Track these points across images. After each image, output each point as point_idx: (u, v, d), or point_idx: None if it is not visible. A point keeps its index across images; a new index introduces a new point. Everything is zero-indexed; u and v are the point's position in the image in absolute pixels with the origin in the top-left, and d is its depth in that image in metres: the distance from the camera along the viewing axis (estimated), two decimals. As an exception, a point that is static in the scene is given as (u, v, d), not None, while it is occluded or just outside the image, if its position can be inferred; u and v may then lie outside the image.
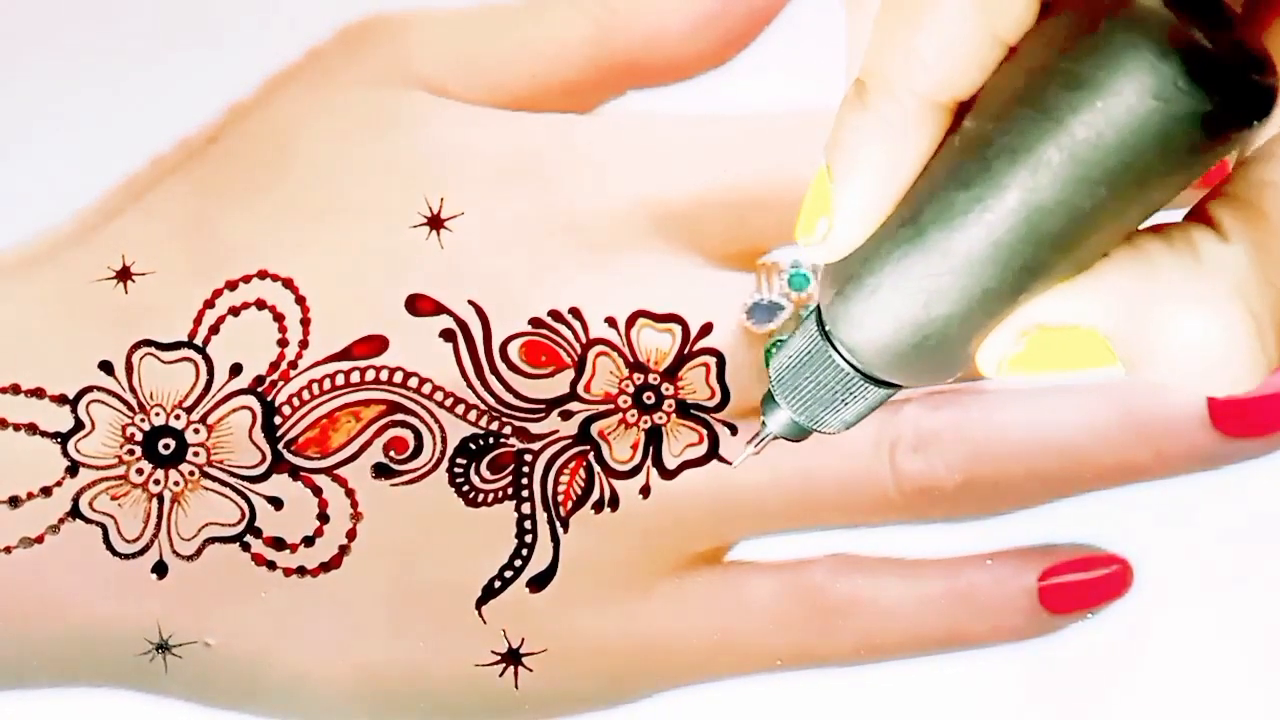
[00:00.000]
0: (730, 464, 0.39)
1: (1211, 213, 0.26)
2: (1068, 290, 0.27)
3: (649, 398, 0.39)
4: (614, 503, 0.39)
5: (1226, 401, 0.40)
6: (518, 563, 0.38)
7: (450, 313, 0.39)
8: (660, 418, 0.39)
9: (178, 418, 0.38)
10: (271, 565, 0.38)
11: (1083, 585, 0.41)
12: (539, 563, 0.39)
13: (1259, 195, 0.26)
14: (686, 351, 0.39)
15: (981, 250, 0.26)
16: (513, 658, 0.39)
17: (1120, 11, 0.24)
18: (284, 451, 0.38)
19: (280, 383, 0.38)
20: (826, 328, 0.30)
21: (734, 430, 0.39)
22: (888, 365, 0.29)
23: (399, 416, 0.38)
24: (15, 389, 0.38)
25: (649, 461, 0.39)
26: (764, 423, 0.34)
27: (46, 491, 0.38)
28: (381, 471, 0.38)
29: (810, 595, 0.40)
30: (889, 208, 0.27)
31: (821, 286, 0.30)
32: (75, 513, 0.38)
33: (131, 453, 0.38)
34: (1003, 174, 0.26)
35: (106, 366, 0.38)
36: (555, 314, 0.39)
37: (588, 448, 0.39)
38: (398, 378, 0.38)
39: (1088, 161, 0.25)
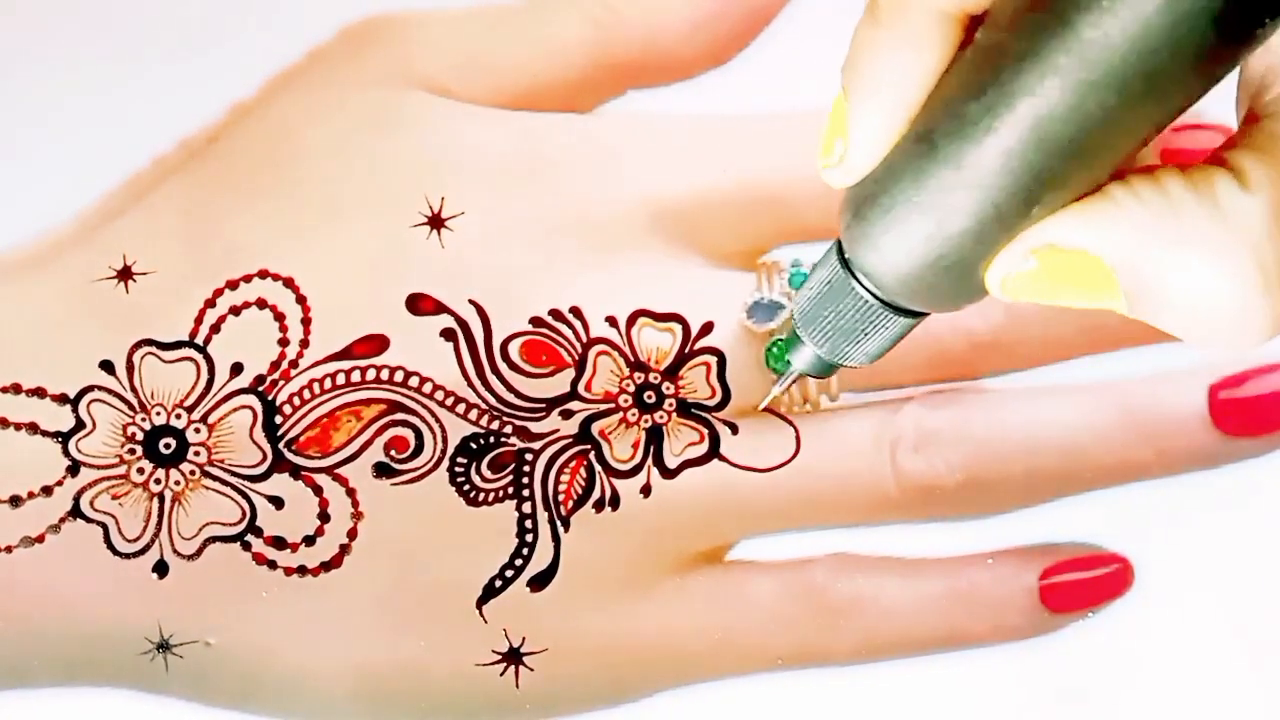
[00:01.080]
0: (742, 467, 0.39)
1: (1233, 160, 0.26)
2: (1083, 213, 0.26)
3: (650, 397, 0.39)
4: (615, 502, 0.39)
5: (1227, 401, 0.40)
6: (518, 562, 0.38)
7: (451, 312, 0.39)
8: (661, 417, 0.39)
9: (179, 417, 0.38)
10: (272, 565, 0.38)
11: (1083, 584, 0.41)
12: (540, 562, 0.39)
13: None
14: (687, 351, 0.39)
15: (993, 161, 0.26)
16: (513, 657, 0.39)
17: None
18: (285, 451, 0.38)
19: (281, 382, 0.38)
20: (846, 256, 0.29)
21: (735, 429, 0.39)
22: (907, 289, 0.29)
23: (400, 416, 0.38)
24: (16, 388, 0.38)
25: (650, 461, 0.39)
26: (788, 361, 0.33)
27: (47, 491, 0.38)
28: (382, 471, 0.38)
29: (811, 595, 0.40)
30: (903, 125, 0.27)
31: (841, 214, 0.29)
32: (76, 512, 0.38)
33: (132, 452, 0.38)
34: (1012, 81, 0.25)
35: (107, 366, 0.38)
36: (556, 313, 0.39)
37: (588, 447, 0.39)
38: (398, 377, 0.38)
39: (1096, 65, 0.25)
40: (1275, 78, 0.27)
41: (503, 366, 0.39)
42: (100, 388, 0.38)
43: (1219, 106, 0.28)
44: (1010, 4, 0.26)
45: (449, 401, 0.38)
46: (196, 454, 0.38)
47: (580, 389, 0.39)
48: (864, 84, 0.27)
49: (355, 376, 0.38)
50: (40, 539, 0.38)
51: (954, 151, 0.26)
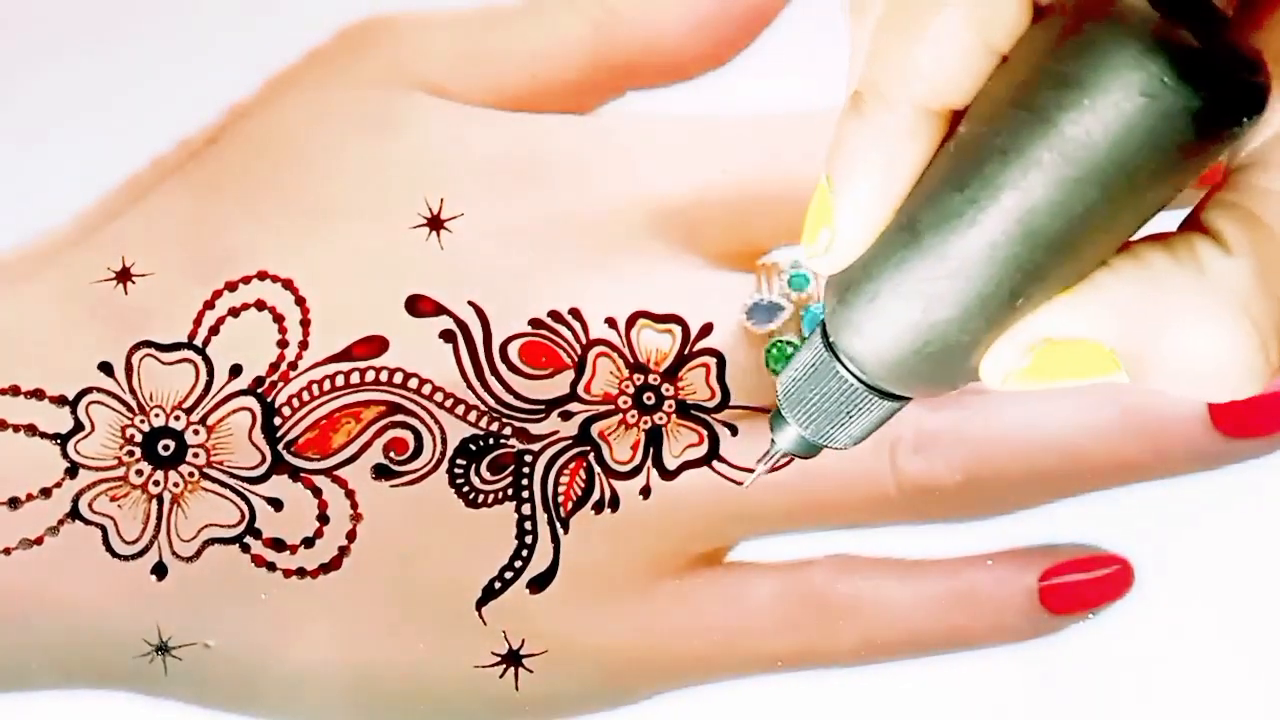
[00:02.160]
0: (739, 482, 0.39)
1: (1212, 223, 0.27)
2: (1072, 303, 0.27)
3: (649, 398, 0.39)
4: (614, 503, 0.39)
5: (1228, 402, 0.40)
6: (518, 563, 0.38)
7: (450, 313, 0.39)
8: (660, 418, 0.39)
9: (177, 419, 0.38)
10: (271, 566, 0.38)
11: (1083, 585, 0.41)
12: (539, 563, 0.39)
13: (1260, 204, 0.26)
14: (686, 352, 0.39)
15: (977, 253, 0.26)
16: (513, 659, 0.39)
17: (1106, 11, 0.25)
18: (284, 452, 0.38)
19: (280, 384, 0.38)
20: (830, 339, 0.30)
21: (734, 431, 0.39)
22: (891, 374, 0.29)
23: (399, 417, 0.38)
24: (15, 390, 0.38)
25: (649, 462, 0.39)
26: (773, 440, 0.34)
27: (46, 493, 0.38)
28: (381, 472, 0.38)
29: (811, 596, 0.40)
30: (888, 215, 0.27)
31: (826, 297, 0.30)
32: (75, 514, 0.38)
33: (131, 454, 0.38)
34: (995, 175, 0.26)
35: (106, 367, 0.38)
36: (555, 314, 0.39)
37: (588, 448, 0.39)
38: (398, 378, 0.38)
39: (1079, 161, 0.25)
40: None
41: (502, 368, 0.39)
42: (99, 389, 0.38)
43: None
44: (992, 99, 0.26)
45: (448, 403, 0.38)
46: (195, 456, 0.38)
47: (579, 390, 0.39)
48: (849, 175, 0.28)
49: (354, 378, 0.38)
50: (39, 541, 0.38)
51: (938, 242, 0.27)
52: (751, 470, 0.39)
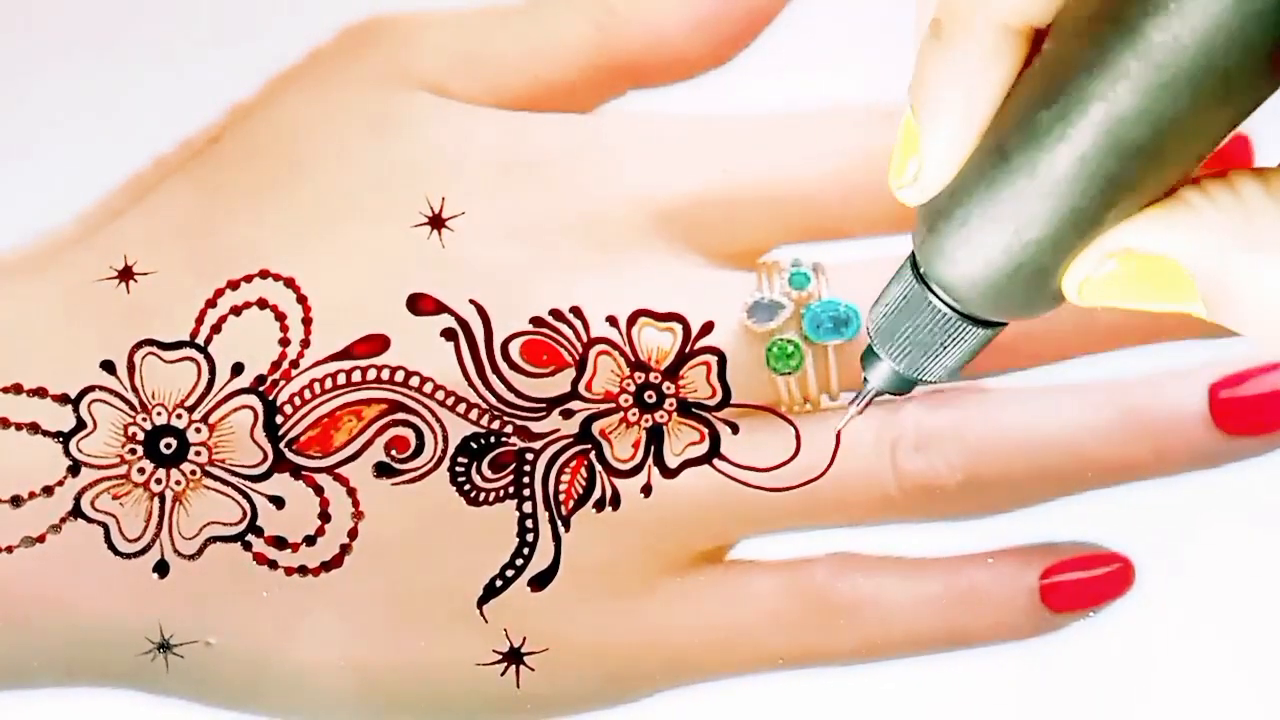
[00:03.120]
0: (745, 482, 0.39)
1: None
2: (1161, 218, 0.26)
3: (650, 396, 0.39)
4: (615, 502, 0.39)
5: (1227, 400, 0.40)
6: (519, 562, 0.38)
7: (451, 312, 0.39)
8: (661, 416, 0.39)
9: (179, 417, 0.38)
10: (273, 564, 0.38)
11: (1084, 584, 0.41)
12: (540, 562, 0.39)
13: None
14: (687, 350, 0.39)
15: (1067, 168, 0.26)
16: (514, 657, 0.39)
17: None
18: (285, 451, 0.38)
19: (282, 382, 0.38)
20: (921, 270, 0.29)
21: (735, 429, 0.39)
22: (985, 299, 0.29)
23: (400, 415, 0.38)
24: (17, 388, 0.38)
25: (650, 460, 0.39)
26: (865, 379, 0.33)
27: (48, 491, 0.38)
28: (383, 470, 0.38)
29: (811, 594, 0.40)
30: (975, 140, 0.27)
31: (916, 228, 0.29)
32: (77, 512, 0.38)
33: (133, 452, 0.38)
34: (1083, 88, 0.26)
35: (108, 366, 0.38)
36: (556, 313, 0.39)
37: (589, 446, 0.39)
38: (399, 377, 0.38)
39: (1166, 67, 0.25)
40: None
41: (503, 366, 0.39)
42: (101, 388, 0.38)
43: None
44: (1076, 14, 0.26)
45: (449, 401, 0.38)
46: (197, 454, 0.38)
47: (581, 389, 0.39)
48: (934, 102, 0.28)
49: (356, 376, 0.38)
50: (41, 539, 0.38)
51: (1027, 161, 0.27)
52: (757, 469, 0.39)
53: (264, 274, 0.39)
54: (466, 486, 0.38)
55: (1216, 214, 0.26)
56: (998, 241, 0.28)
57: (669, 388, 0.39)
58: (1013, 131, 0.27)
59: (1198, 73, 0.25)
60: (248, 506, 0.38)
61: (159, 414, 0.38)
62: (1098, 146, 0.26)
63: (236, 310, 0.39)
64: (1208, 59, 0.25)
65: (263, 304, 0.39)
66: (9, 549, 0.38)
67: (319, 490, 0.38)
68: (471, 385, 0.38)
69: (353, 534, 0.38)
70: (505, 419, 0.39)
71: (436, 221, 0.39)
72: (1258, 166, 0.27)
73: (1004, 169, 0.27)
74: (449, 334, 0.39)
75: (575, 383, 0.39)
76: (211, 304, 0.39)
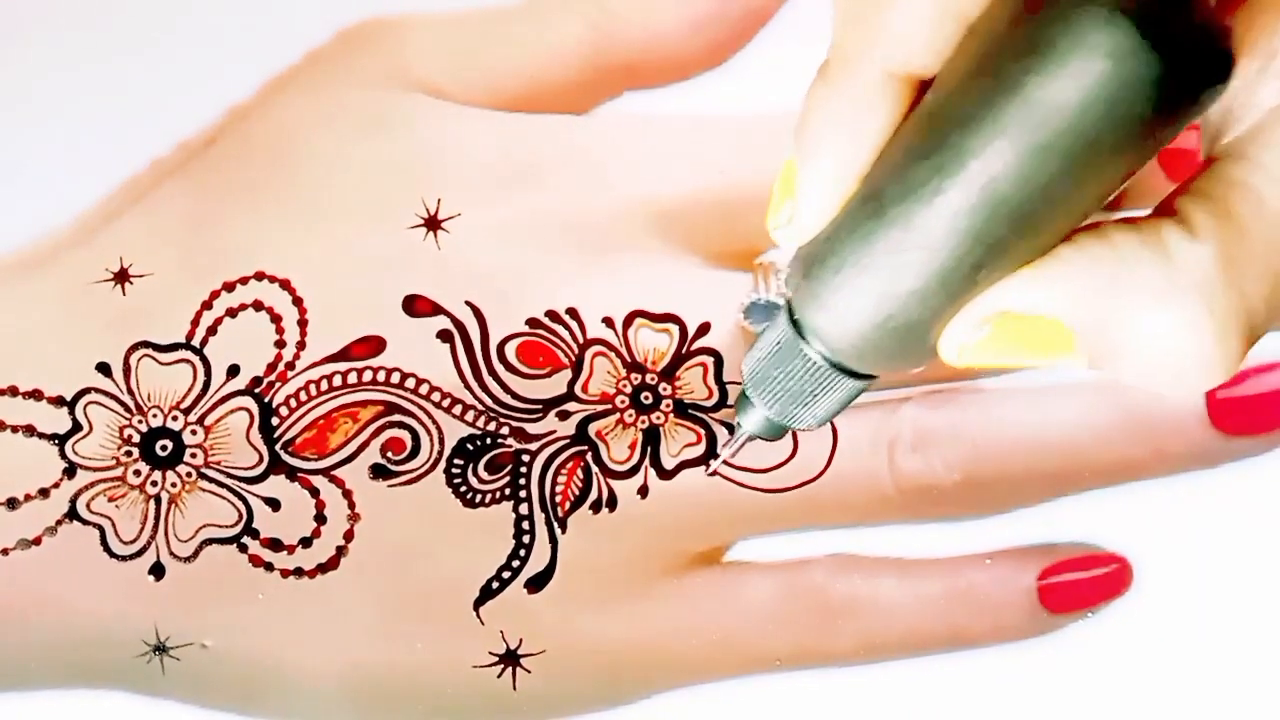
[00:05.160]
0: (740, 480, 0.39)
1: (1182, 209, 0.26)
2: (1033, 277, 0.26)
3: (647, 398, 0.39)
4: (612, 503, 0.39)
5: (1225, 400, 0.40)
6: (515, 563, 0.38)
7: (447, 313, 0.39)
8: (658, 418, 0.39)
9: (175, 419, 0.38)
10: (269, 566, 0.38)
11: (1082, 584, 0.41)
12: (537, 563, 0.39)
13: (1230, 195, 0.26)
14: (684, 351, 0.39)
15: (941, 223, 0.26)
16: (511, 659, 0.39)
17: None
18: (281, 452, 0.38)
19: (277, 384, 0.38)
20: (795, 316, 0.29)
21: (732, 430, 0.39)
22: (855, 350, 0.29)
23: (396, 417, 0.38)
24: (13, 390, 0.38)
25: (647, 462, 0.39)
26: (738, 423, 0.33)
27: (44, 493, 0.38)
28: (379, 472, 0.38)
29: (809, 595, 0.40)
30: (852, 186, 0.27)
31: (789, 273, 0.29)
32: (73, 514, 0.38)
33: (129, 454, 0.38)
34: (960, 143, 0.26)
35: (104, 368, 0.38)
36: (552, 314, 0.39)
37: (585, 448, 0.39)
38: (395, 378, 0.38)
39: (1043, 128, 0.25)
40: (1231, 122, 0.27)
41: (499, 368, 0.39)
42: (97, 390, 0.38)
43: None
44: (959, 67, 0.26)
45: (446, 403, 0.38)
46: (193, 456, 0.38)
47: (577, 390, 0.39)
48: (813, 145, 0.27)
49: (352, 378, 0.38)
50: (37, 541, 0.38)
51: (902, 213, 0.26)
52: (754, 470, 0.39)
53: (260, 276, 0.39)
54: (463, 488, 0.38)
55: (1092, 267, 0.26)
56: (870, 292, 0.27)
57: (665, 389, 0.39)
58: (889, 182, 0.27)
59: (1075, 135, 0.25)
60: (243, 508, 0.38)
61: (155, 416, 0.38)
62: (973, 204, 0.26)
63: (232, 312, 0.39)
64: (1086, 121, 0.25)
65: (258, 306, 0.39)
66: (5, 551, 0.38)
67: (315, 492, 0.38)
68: (468, 387, 0.38)
69: (349, 536, 0.38)
70: (501, 420, 0.39)
71: (432, 223, 0.39)
72: (1126, 216, 0.27)
73: (879, 219, 0.27)
74: (445, 335, 0.39)
75: (571, 384, 0.39)
76: (207, 306, 0.39)
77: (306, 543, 0.38)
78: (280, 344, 0.38)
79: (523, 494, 0.39)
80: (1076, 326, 0.27)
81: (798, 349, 0.30)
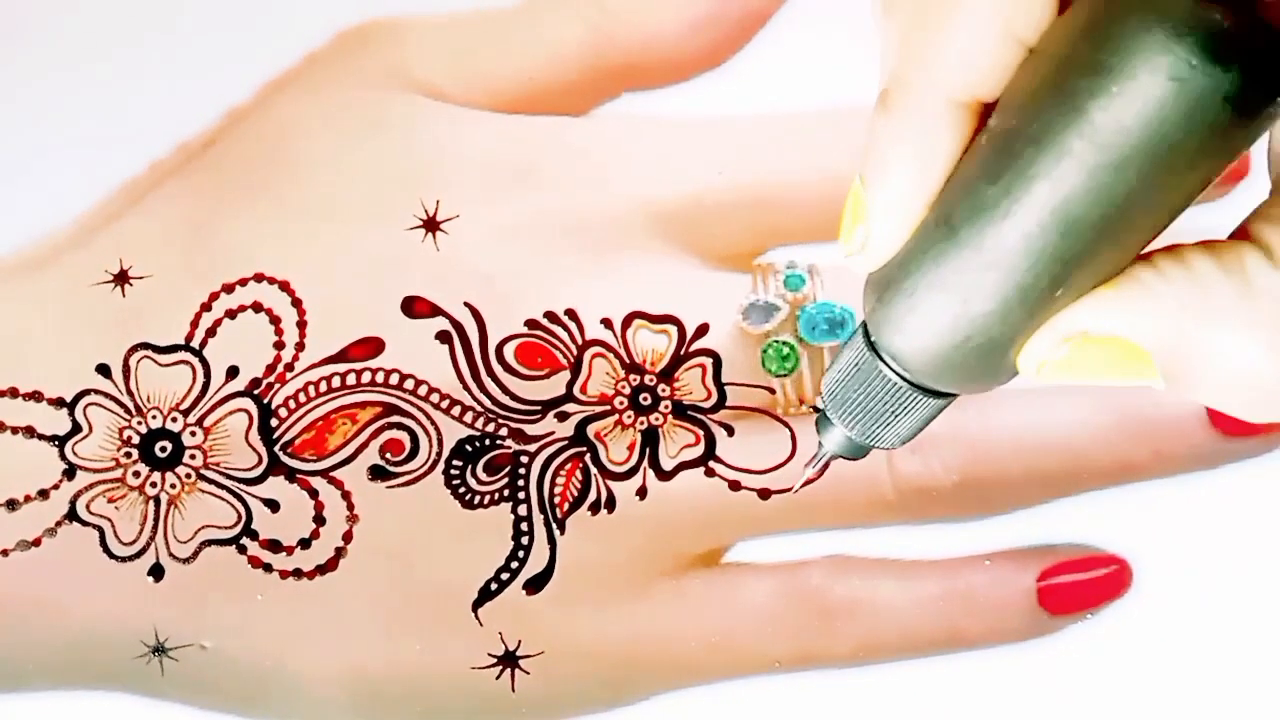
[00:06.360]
0: (738, 483, 0.39)
1: (1260, 235, 0.26)
2: (1113, 298, 0.27)
3: (645, 399, 0.39)
4: (610, 504, 0.39)
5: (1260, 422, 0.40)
6: (514, 564, 0.38)
7: (446, 315, 0.39)
8: (657, 419, 0.39)
9: (174, 420, 0.38)
10: (268, 568, 0.38)
11: (1082, 585, 0.41)
12: (535, 564, 0.39)
13: None
14: (683, 352, 0.39)
15: (1013, 244, 0.26)
16: (509, 660, 0.39)
17: None
18: (280, 454, 0.38)
19: (276, 385, 0.38)
20: (872, 338, 0.29)
21: (730, 431, 0.39)
22: (934, 370, 0.29)
23: (395, 418, 0.38)
24: (13, 392, 0.38)
25: (645, 463, 0.39)
26: (820, 443, 0.33)
27: (44, 494, 0.38)
28: (378, 473, 0.38)
29: (808, 597, 0.40)
30: (922, 210, 0.27)
31: (864, 297, 0.29)
32: (72, 515, 0.38)
33: (129, 455, 0.38)
34: (1028, 166, 0.26)
35: (104, 369, 0.38)
36: (551, 315, 0.39)
37: (584, 449, 0.39)
38: (394, 380, 0.38)
39: (1110, 148, 0.25)
40: None
41: (498, 369, 0.39)
42: (97, 391, 0.38)
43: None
44: (1022, 90, 0.26)
45: (444, 404, 0.38)
46: (192, 457, 0.38)
47: (576, 391, 0.39)
48: (881, 171, 0.28)
49: (351, 379, 0.38)
50: (37, 542, 0.38)
51: (974, 235, 0.27)
52: (753, 471, 0.39)
53: (259, 277, 0.39)
54: (461, 489, 0.38)
55: (1170, 290, 0.26)
56: (945, 313, 0.27)
57: (664, 390, 0.39)
58: (960, 204, 0.27)
59: (1141, 154, 0.25)
60: (242, 510, 0.38)
61: (154, 417, 0.38)
62: (1043, 224, 0.26)
63: (231, 313, 0.39)
64: (1153, 141, 0.24)
65: (258, 307, 0.39)
66: (4, 552, 0.38)
67: (314, 493, 0.38)
68: (466, 388, 0.38)
69: (347, 537, 0.38)
70: (500, 421, 0.39)
71: (431, 224, 0.39)
72: (1206, 240, 0.27)
73: (951, 242, 0.27)
74: (444, 337, 0.39)
75: (570, 385, 0.39)
76: (207, 307, 0.39)
77: (305, 544, 0.38)
78: (279, 345, 0.38)
79: (521, 495, 0.39)
80: (1156, 350, 0.27)
81: (876, 370, 0.29)
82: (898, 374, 0.29)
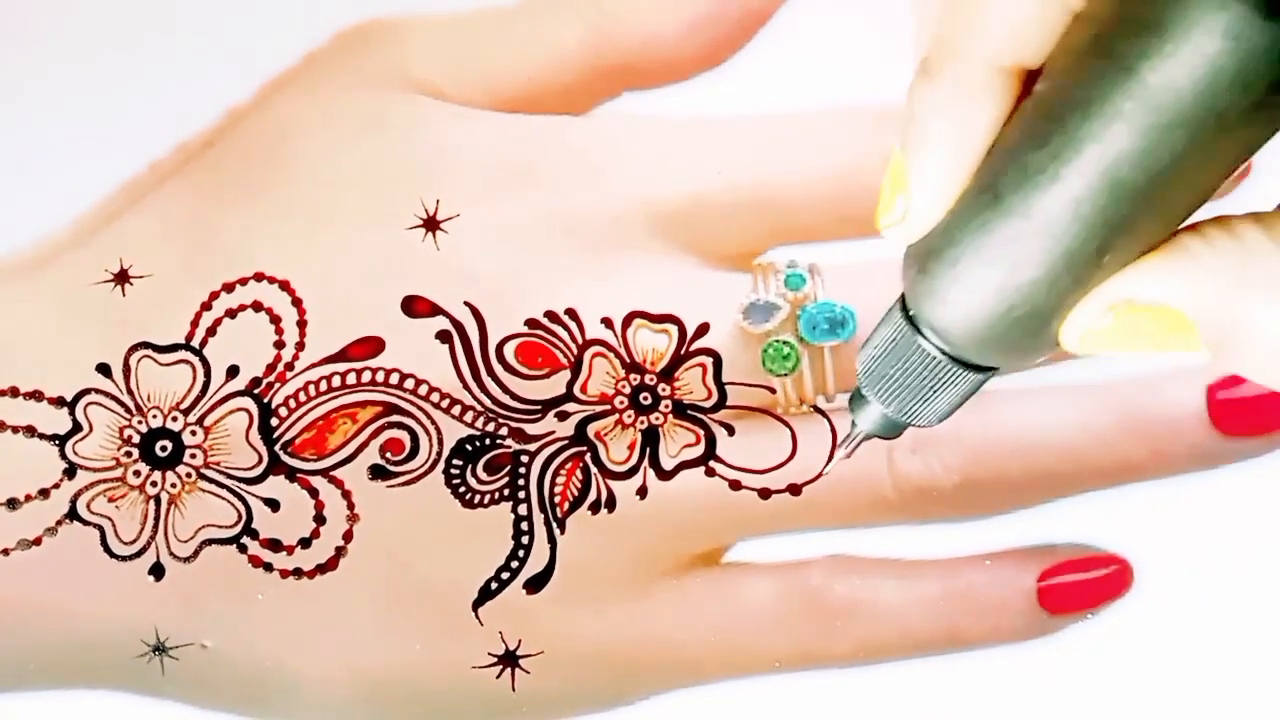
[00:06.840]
0: (738, 484, 0.39)
1: None
2: (1159, 265, 0.26)
3: (646, 398, 0.39)
4: (611, 504, 0.39)
5: (1225, 401, 0.40)
6: (514, 564, 0.38)
7: (446, 314, 0.39)
8: (657, 418, 0.39)
9: (175, 420, 0.38)
10: (268, 567, 0.38)
11: (1082, 585, 0.41)
12: (536, 564, 0.39)
13: None
14: (683, 352, 0.39)
15: (1061, 209, 0.26)
16: (509, 660, 0.39)
17: None
18: (280, 453, 0.38)
19: (277, 384, 0.38)
20: (911, 312, 0.29)
21: (731, 431, 0.39)
22: (976, 342, 0.28)
23: (395, 418, 0.38)
24: (14, 391, 0.38)
25: (646, 462, 0.39)
26: (854, 421, 0.33)
27: (44, 494, 0.38)
28: (378, 473, 0.38)
29: (809, 596, 0.40)
30: (965, 178, 0.27)
31: (904, 269, 0.29)
32: (73, 515, 0.38)
33: (129, 454, 0.38)
34: (1078, 128, 0.25)
35: (104, 369, 0.38)
36: (551, 315, 0.39)
37: (584, 449, 0.39)
38: (394, 379, 0.38)
39: (1162, 109, 0.24)
40: None
41: (498, 368, 0.39)
42: (97, 390, 0.38)
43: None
44: (1069, 53, 0.26)
45: (444, 403, 0.38)
46: (193, 456, 0.38)
47: (576, 391, 0.39)
48: (923, 140, 0.27)
49: (351, 379, 0.38)
50: (37, 542, 0.38)
51: (1021, 201, 0.26)
52: (753, 471, 0.39)
53: (259, 277, 0.39)
54: (461, 489, 0.38)
55: (1217, 260, 0.26)
56: (990, 283, 0.27)
57: (664, 389, 0.39)
58: (1005, 171, 0.26)
59: (1195, 114, 0.24)
60: (243, 509, 0.38)
61: (154, 416, 0.38)
62: (1093, 189, 0.25)
63: (232, 313, 0.39)
64: (1205, 100, 0.24)
65: (258, 307, 0.39)
66: (5, 552, 0.38)
67: (314, 493, 0.38)
68: (466, 388, 0.38)
69: (348, 536, 0.38)
70: (500, 421, 0.39)
71: (431, 224, 0.39)
72: (1256, 211, 0.27)
73: (997, 209, 0.26)
74: (444, 336, 0.39)
75: (570, 385, 0.39)
76: (207, 307, 0.39)
77: (306, 543, 0.38)
78: (279, 345, 0.38)
79: (521, 495, 0.39)
80: (1202, 319, 0.26)
81: (914, 344, 0.29)
82: (938, 348, 0.29)
